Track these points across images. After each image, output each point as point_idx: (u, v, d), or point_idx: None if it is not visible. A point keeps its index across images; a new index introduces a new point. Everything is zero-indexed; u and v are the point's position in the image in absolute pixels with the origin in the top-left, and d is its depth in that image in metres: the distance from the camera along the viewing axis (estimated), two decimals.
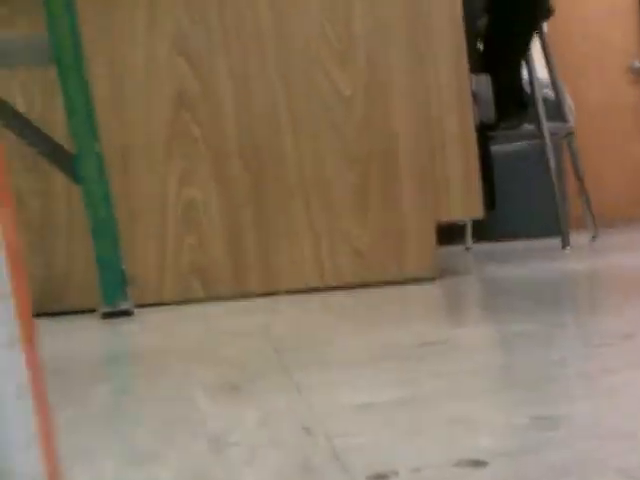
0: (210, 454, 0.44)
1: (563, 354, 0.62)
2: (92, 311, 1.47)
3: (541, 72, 2.58)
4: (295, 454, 0.42)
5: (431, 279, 1.55)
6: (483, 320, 0.87)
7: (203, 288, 1.56)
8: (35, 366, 0.24)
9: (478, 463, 0.36)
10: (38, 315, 1.50)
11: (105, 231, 1.36)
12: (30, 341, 0.24)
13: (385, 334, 0.83)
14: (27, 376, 0.24)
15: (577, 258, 1.81)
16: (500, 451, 0.38)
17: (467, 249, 3.03)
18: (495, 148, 2.56)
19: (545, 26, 2.29)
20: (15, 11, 1.54)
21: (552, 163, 2.22)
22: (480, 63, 2.09)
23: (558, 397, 0.48)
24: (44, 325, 1.33)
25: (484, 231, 3.54)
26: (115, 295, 1.36)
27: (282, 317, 1.12)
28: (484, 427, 0.43)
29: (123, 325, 1.24)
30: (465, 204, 1.61)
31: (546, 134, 2.22)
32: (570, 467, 0.35)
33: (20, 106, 1.53)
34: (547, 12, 2.22)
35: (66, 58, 1.32)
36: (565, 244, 2.21)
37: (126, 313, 1.36)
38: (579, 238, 2.95)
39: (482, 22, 2.20)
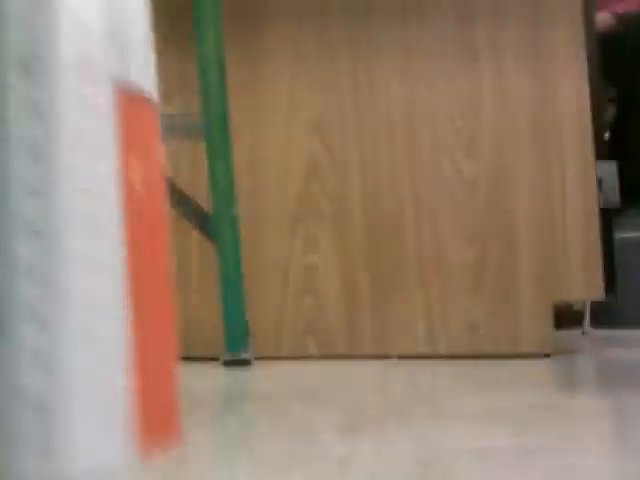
0: (334, 473, 0.48)
1: None
2: (213, 359, 1.55)
3: None
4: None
5: (545, 355, 1.54)
6: (597, 392, 0.88)
7: (318, 347, 1.61)
8: None
9: None
10: None
11: (233, 286, 1.46)
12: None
13: (497, 397, 0.85)
14: None
15: None
16: None
17: (584, 333, 2.95)
18: (621, 236, 2.51)
19: None
20: (172, 91, 1.71)
21: None
22: (607, 152, 2.09)
23: None
24: None
25: (603, 318, 3.42)
26: (238, 345, 1.44)
27: (395, 376, 1.15)
28: (594, 474, 0.46)
29: (244, 372, 1.31)
30: (585, 284, 1.59)
31: None
32: None
33: (169, 172, 1.69)
34: None
35: (215, 136, 1.47)
36: None
37: (246, 362, 1.43)
38: None
39: (610, 112, 2.20)
